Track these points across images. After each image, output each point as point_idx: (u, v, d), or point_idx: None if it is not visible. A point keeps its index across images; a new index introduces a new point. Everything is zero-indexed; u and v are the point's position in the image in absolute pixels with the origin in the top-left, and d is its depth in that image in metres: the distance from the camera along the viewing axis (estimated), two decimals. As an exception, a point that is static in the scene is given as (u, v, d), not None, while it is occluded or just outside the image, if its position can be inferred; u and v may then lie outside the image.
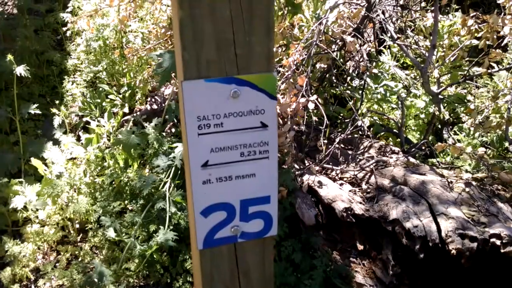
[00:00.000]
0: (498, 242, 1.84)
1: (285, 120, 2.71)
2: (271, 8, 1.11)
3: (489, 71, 3.15)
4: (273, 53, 1.17)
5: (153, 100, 3.25)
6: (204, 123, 1.15)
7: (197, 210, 1.20)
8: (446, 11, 4.18)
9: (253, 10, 1.08)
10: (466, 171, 2.43)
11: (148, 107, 3.18)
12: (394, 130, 3.13)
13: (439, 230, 1.95)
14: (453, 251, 1.85)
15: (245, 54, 1.13)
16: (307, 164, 2.67)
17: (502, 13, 2.98)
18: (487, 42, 2.97)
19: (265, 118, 1.20)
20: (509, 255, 1.82)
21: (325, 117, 2.63)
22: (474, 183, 2.26)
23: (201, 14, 1.05)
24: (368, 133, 2.79)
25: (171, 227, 2.18)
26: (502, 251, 1.83)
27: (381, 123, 3.26)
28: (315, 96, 2.65)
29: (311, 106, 2.60)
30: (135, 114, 3.06)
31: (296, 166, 2.63)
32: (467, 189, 2.19)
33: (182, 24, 1.05)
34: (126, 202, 2.52)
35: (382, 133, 3.17)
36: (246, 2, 1.07)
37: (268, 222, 1.28)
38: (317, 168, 2.62)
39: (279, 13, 3.42)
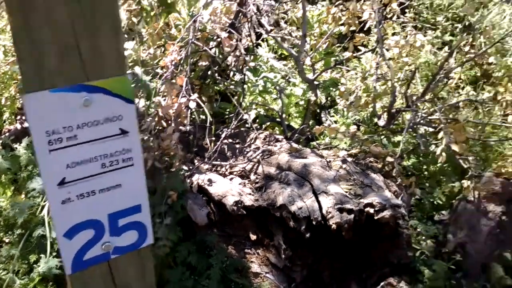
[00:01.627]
0: (371, 210, 2.01)
1: (169, 122, 2.66)
2: (115, 5, 1.05)
3: (356, 54, 3.42)
4: (124, 54, 1.12)
5: (23, 118, 2.97)
6: (54, 138, 1.07)
7: (60, 233, 1.11)
8: (316, 1, 4.44)
9: (95, 10, 1.02)
10: (343, 149, 2.61)
11: (18, 126, 2.91)
12: (278, 119, 3.25)
13: (320, 208, 2.07)
14: (333, 226, 1.98)
15: (93, 59, 1.06)
16: (196, 164, 2.66)
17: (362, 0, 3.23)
18: (351, 28, 3.22)
19: (124, 124, 1.15)
20: (381, 221, 2.00)
21: (208, 114, 2.64)
22: (349, 159, 2.44)
23: (37, 21, 0.96)
24: (254, 125, 2.86)
25: (54, 254, 2.02)
26: (375, 217, 2.00)
27: (265, 114, 3.36)
28: (196, 95, 2.64)
29: (192, 105, 2.59)
30: (3, 136, 2.77)
31: (185, 168, 2.60)
32: (343, 166, 2.36)
33: (17, 34, 0.96)
34: (1, 234, 2.27)
35: (268, 124, 3.27)
36: (87, 2, 1.01)
37: (142, 232, 1.24)
38: (206, 166, 2.62)
39: (152, 14, 3.34)
